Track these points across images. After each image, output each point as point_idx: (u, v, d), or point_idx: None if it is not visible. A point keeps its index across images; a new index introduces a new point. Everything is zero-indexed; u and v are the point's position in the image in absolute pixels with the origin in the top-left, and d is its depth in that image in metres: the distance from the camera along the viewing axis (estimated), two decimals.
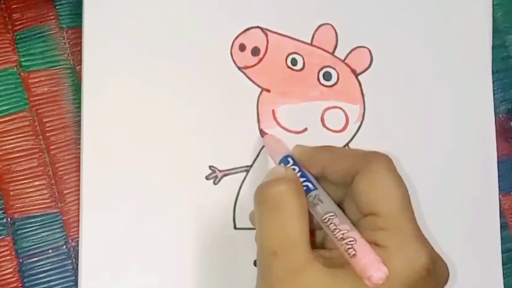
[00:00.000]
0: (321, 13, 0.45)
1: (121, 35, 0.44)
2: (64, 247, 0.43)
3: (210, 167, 0.44)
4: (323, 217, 0.35)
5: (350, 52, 0.45)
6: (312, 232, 0.36)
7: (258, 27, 0.45)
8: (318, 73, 0.45)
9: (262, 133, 0.44)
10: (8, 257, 0.43)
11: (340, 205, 0.37)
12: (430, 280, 0.33)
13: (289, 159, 0.40)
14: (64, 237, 0.43)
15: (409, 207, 0.34)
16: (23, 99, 0.44)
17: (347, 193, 0.37)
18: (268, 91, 0.45)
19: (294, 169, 0.38)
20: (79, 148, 0.43)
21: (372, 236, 0.33)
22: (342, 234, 0.33)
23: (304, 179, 0.37)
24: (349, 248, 0.32)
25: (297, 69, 0.45)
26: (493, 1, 0.48)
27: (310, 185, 0.37)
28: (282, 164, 0.39)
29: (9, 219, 0.43)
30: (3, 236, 0.43)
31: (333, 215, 0.34)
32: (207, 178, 0.44)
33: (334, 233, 0.33)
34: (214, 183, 0.44)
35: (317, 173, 0.38)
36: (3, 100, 0.44)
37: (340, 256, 0.33)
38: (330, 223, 0.34)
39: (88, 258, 0.42)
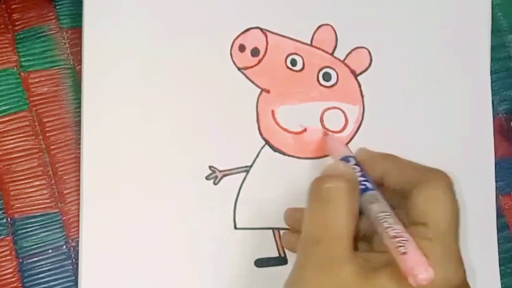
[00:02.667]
0: (320, 14, 0.45)
1: (121, 35, 0.44)
2: (64, 247, 0.43)
3: (210, 167, 0.44)
4: (378, 215, 0.36)
5: (350, 52, 0.45)
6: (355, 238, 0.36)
7: (257, 27, 0.45)
8: (318, 73, 0.45)
9: (324, 133, 0.44)
10: (8, 257, 0.43)
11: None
12: None
13: (351, 159, 0.40)
14: (64, 237, 0.43)
15: (457, 229, 0.36)
16: (23, 99, 0.44)
17: (399, 203, 0.38)
18: (268, 91, 0.45)
19: (354, 168, 0.39)
20: (79, 148, 0.43)
21: (418, 243, 0.34)
22: (396, 232, 0.34)
23: (364, 178, 0.38)
24: (400, 246, 0.33)
25: (297, 70, 0.45)
26: (493, 1, 0.48)
27: (369, 185, 0.38)
28: (342, 161, 0.40)
29: (9, 219, 0.43)
30: (3, 236, 0.43)
31: (388, 215, 0.35)
32: (207, 178, 0.44)
33: (387, 230, 0.34)
34: (214, 183, 0.44)
35: (377, 178, 0.39)
36: (3, 100, 0.44)
37: (376, 261, 0.35)
38: (384, 221, 0.35)
39: (88, 258, 0.42)
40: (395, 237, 0.34)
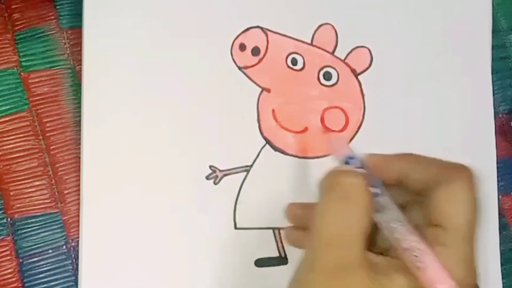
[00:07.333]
0: (321, 13, 0.45)
1: (121, 35, 0.44)
2: (64, 247, 0.43)
3: (210, 167, 0.44)
4: (389, 224, 0.34)
5: (350, 52, 0.45)
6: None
7: (258, 27, 0.45)
8: (318, 73, 0.45)
9: (323, 131, 0.44)
10: (8, 257, 0.43)
11: (403, 209, 0.36)
12: None
13: (354, 160, 0.36)
14: (64, 237, 0.43)
15: (475, 231, 0.34)
16: (23, 99, 0.44)
17: (416, 199, 0.36)
18: (268, 91, 0.45)
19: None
20: (79, 148, 0.43)
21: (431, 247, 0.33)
22: (408, 244, 0.32)
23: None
24: (416, 259, 0.32)
25: (297, 69, 0.45)
26: (493, 1, 0.48)
27: (377, 190, 0.35)
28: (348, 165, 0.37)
29: (9, 219, 0.43)
30: (3, 236, 0.43)
31: (400, 224, 0.33)
32: (207, 178, 0.44)
33: (400, 243, 0.33)
34: (214, 183, 0.44)
35: (392, 180, 0.36)
36: (3, 100, 0.44)
37: (385, 264, 0.33)
38: (396, 232, 0.33)
39: (88, 258, 0.42)
40: (409, 249, 0.32)
